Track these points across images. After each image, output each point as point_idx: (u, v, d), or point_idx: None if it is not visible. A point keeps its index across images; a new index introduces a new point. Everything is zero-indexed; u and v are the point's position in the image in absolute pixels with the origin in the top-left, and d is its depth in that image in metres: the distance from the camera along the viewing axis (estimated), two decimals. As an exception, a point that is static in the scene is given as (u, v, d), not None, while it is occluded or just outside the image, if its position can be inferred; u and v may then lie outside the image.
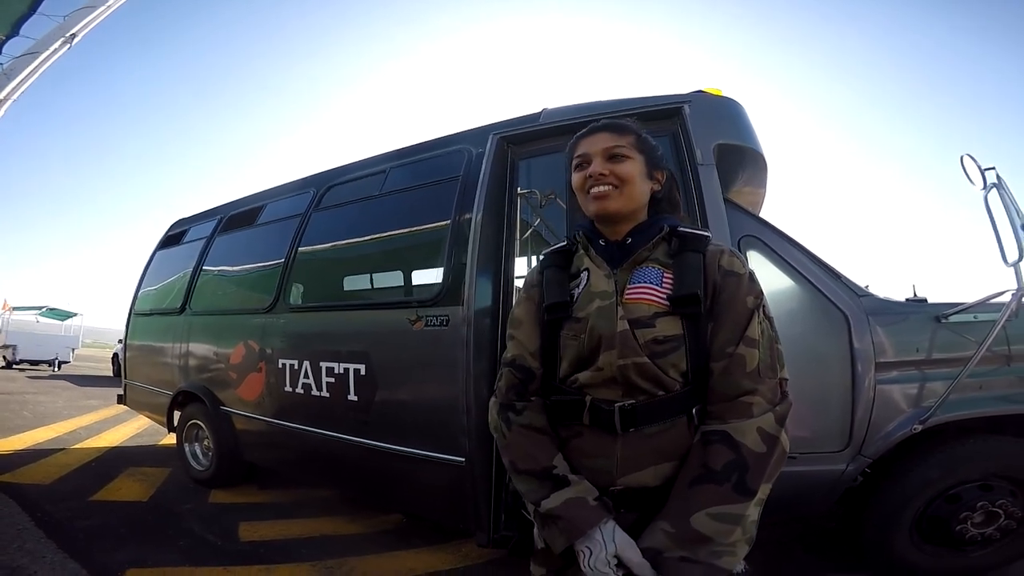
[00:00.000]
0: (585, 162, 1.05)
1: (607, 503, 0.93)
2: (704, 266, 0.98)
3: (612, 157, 1.03)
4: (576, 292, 1.04)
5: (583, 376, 0.98)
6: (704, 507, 0.86)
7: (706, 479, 0.88)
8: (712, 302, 0.96)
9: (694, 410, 0.94)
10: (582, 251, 1.10)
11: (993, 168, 2.22)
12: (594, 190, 1.03)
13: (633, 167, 1.03)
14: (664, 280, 0.98)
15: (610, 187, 1.02)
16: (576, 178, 1.07)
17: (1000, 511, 2.07)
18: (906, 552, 2.14)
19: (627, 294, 0.98)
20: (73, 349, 15.30)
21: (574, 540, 0.90)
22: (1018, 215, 2.13)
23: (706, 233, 1.04)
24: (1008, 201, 2.15)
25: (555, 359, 1.03)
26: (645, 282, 0.99)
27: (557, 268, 1.10)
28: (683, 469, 0.92)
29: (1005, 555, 2.17)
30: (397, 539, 2.90)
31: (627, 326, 0.94)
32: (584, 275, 1.05)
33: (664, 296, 0.96)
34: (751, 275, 0.99)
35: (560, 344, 1.02)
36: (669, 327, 0.94)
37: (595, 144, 1.05)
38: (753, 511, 0.87)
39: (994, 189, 2.19)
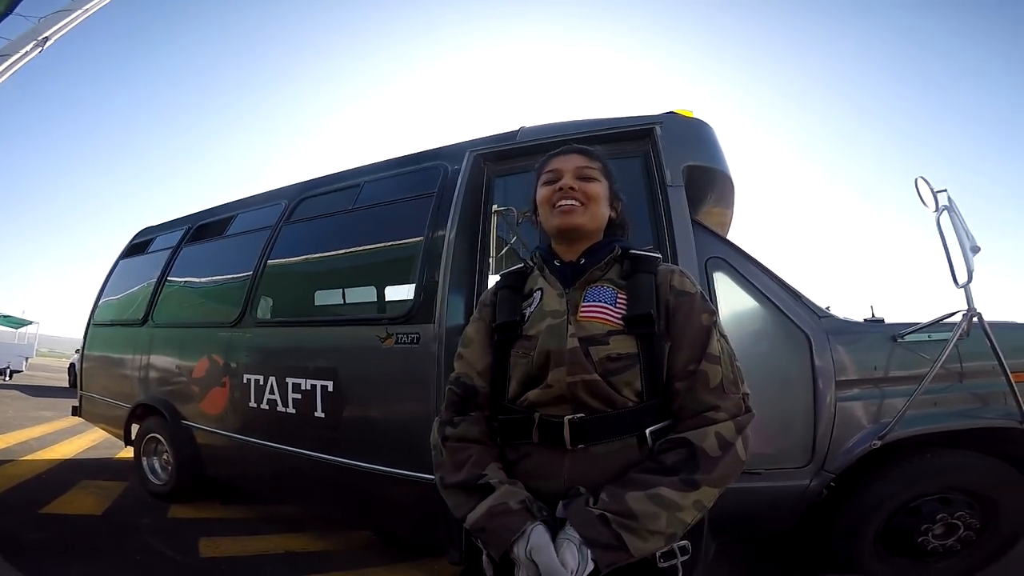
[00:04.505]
0: (556, 177, 1.08)
1: (532, 507, 0.88)
2: (656, 286, 1.00)
3: (582, 177, 1.07)
4: (528, 311, 1.05)
5: (532, 394, 0.97)
6: (644, 489, 0.84)
7: (655, 470, 0.87)
8: (667, 322, 0.98)
9: (648, 431, 0.92)
10: (537, 272, 1.11)
11: (945, 191, 2.28)
12: (561, 203, 1.05)
13: (600, 189, 1.08)
14: (618, 300, 1.00)
15: (577, 203, 1.05)
16: (544, 191, 1.09)
17: (959, 523, 2.11)
18: (871, 564, 2.17)
19: (581, 312, 0.99)
20: (27, 358, 14.81)
21: (501, 553, 0.85)
22: (967, 237, 2.19)
23: (656, 255, 1.08)
24: (958, 224, 2.21)
25: (505, 379, 1.03)
26: (599, 301, 1.00)
27: (510, 289, 1.11)
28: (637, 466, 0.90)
29: (966, 565, 2.21)
30: (367, 556, 2.83)
31: (577, 343, 0.95)
32: (537, 295, 1.06)
33: (619, 316, 0.98)
34: (702, 294, 1.02)
35: (510, 363, 1.03)
36: (623, 345, 0.95)
37: (568, 163, 1.09)
38: (689, 509, 0.84)
39: (945, 211, 2.25)
